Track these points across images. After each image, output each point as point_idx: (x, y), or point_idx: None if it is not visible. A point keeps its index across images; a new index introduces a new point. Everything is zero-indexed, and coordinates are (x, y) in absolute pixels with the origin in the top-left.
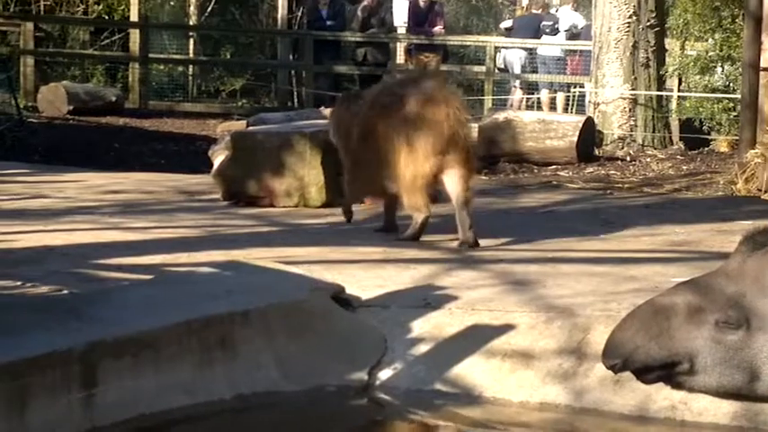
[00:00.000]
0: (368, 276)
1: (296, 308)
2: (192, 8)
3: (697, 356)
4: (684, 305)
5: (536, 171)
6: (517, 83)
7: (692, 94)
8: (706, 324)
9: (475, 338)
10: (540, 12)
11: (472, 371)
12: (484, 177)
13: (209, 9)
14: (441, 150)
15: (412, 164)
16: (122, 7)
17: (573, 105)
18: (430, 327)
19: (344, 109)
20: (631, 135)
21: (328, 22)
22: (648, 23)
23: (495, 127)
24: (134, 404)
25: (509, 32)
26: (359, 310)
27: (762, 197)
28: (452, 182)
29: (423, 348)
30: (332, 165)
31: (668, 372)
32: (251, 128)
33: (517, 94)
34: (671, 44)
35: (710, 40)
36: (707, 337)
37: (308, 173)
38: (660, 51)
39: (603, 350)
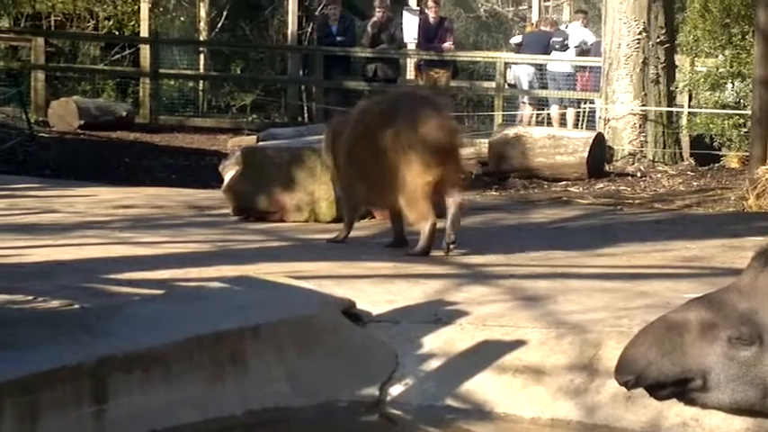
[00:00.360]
0: (378, 291)
1: (306, 323)
2: (202, 24)
3: (710, 373)
4: (697, 321)
5: (546, 187)
6: (526, 98)
7: (703, 111)
8: (719, 340)
9: (486, 354)
10: (549, 29)
11: (483, 386)
12: (494, 193)
13: (220, 24)
14: (440, 160)
15: (414, 175)
16: (132, 23)
17: (583, 121)
18: (441, 342)
19: (341, 127)
20: (642, 151)
21: (338, 38)
22: (658, 40)
23: (505, 143)
24: (144, 419)
25: (519, 48)
26: (369, 325)
27: None
28: (449, 189)
29: (434, 364)
30: None
31: (681, 388)
32: (261, 143)
33: (526, 110)
34: (681, 60)
35: (721, 56)
36: (719, 353)
37: (319, 188)
38: (670, 68)
39: (616, 366)
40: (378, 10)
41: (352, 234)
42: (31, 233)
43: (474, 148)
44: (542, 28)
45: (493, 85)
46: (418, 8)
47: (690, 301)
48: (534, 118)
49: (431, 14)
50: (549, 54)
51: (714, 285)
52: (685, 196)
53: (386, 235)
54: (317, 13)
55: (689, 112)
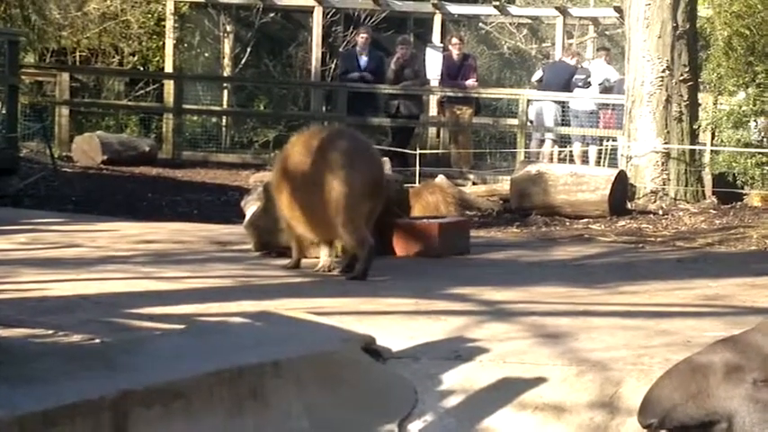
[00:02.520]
0: (398, 328)
1: (327, 359)
2: (226, 60)
3: (735, 416)
4: (722, 363)
5: (568, 224)
6: (547, 135)
7: (725, 149)
8: (744, 383)
9: (506, 391)
10: (570, 59)
11: (503, 424)
12: (516, 230)
13: (244, 61)
14: (371, 193)
15: (352, 205)
16: (157, 58)
17: (605, 159)
18: (461, 379)
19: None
20: (664, 189)
21: (367, 73)
22: (682, 78)
23: (527, 180)
24: None
25: (540, 84)
26: (390, 361)
27: None
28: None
29: (453, 401)
30: None
31: (706, 431)
32: None
33: (546, 146)
34: (704, 98)
35: (744, 94)
36: (745, 396)
37: None
38: (693, 106)
39: (640, 408)
40: (401, 47)
41: (371, 271)
42: (53, 267)
43: (495, 185)
44: (564, 60)
45: (516, 122)
46: (442, 45)
47: (715, 342)
48: (556, 155)
49: (454, 51)
50: (569, 87)
51: (736, 324)
52: (707, 234)
53: (405, 271)
54: (341, 49)
55: (712, 150)
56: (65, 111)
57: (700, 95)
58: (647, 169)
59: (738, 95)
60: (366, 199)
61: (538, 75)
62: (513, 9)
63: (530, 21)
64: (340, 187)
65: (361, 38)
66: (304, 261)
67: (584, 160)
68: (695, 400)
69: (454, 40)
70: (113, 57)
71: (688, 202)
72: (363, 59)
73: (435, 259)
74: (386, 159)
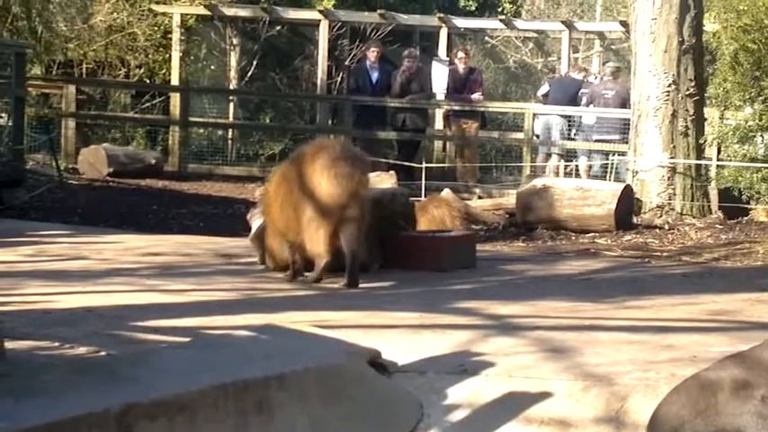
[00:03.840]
0: (404, 342)
1: (332, 372)
2: (232, 72)
3: None
4: (730, 380)
5: (573, 238)
6: (553, 149)
7: (732, 164)
8: (752, 399)
9: (511, 405)
10: (577, 74)
11: None
12: (521, 244)
13: (250, 74)
14: (342, 205)
15: (317, 215)
16: (163, 71)
17: (611, 173)
18: (466, 393)
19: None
20: (670, 203)
21: (377, 86)
22: (688, 92)
23: (532, 193)
24: None
25: (545, 99)
26: (395, 375)
27: None
28: (347, 232)
29: (459, 415)
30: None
31: None
32: None
33: (552, 160)
34: (710, 113)
35: (750, 108)
36: (753, 412)
37: None
38: (699, 120)
39: (648, 424)
40: (407, 60)
41: (376, 284)
42: (59, 279)
43: (501, 199)
44: (571, 75)
45: (522, 136)
46: (448, 58)
47: (723, 359)
48: (563, 169)
49: (460, 65)
50: (575, 101)
51: (741, 339)
52: (713, 249)
53: (410, 285)
54: (347, 63)
55: (718, 165)
56: (71, 123)
57: (706, 110)
58: (652, 184)
59: (745, 110)
60: (337, 207)
61: (544, 89)
62: (519, 23)
63: (536, 35)
64: (308, 201)
65: (372, 52)
66: (308, 274)
67: (591, 175)
68: (704, 417)
69: (460, 54)
70: (120, 69)
71: (694, 217)
72: (374, 75)
73: (441, 273)
74: (392, 173)
